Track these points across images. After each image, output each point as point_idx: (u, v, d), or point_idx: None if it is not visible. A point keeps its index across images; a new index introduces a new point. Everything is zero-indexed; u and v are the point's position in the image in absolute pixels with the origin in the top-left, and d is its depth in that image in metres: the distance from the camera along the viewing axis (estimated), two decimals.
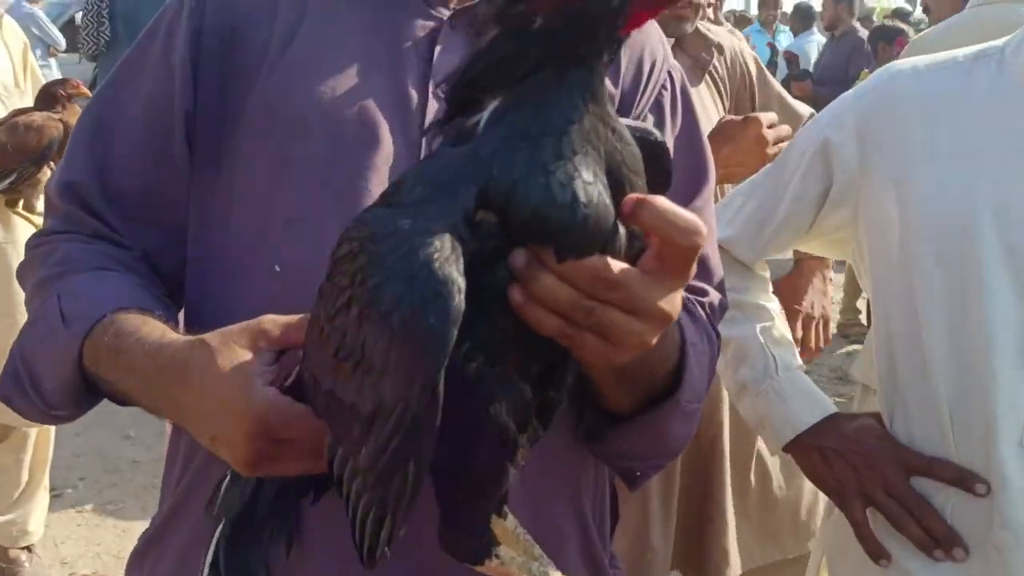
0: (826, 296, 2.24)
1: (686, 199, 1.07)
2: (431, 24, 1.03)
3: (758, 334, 1.49)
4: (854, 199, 1.35)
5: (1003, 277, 1.18)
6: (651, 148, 0.80)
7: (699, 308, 1.08)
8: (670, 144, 1.08)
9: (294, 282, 0.90)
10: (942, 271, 1.23)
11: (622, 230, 0.71)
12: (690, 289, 1.07)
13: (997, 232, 1.19)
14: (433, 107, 0.99)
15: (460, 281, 0.63)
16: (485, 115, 0.71)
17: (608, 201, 0.70)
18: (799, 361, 1.52)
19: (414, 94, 0.99)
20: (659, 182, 0.80)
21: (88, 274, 0.97)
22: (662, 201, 0.70)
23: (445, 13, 1.05)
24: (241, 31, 1.02)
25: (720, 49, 2.10)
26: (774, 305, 1.56)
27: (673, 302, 0.74)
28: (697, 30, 2.06)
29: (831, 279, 2.29)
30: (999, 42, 1.28)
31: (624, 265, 0.71)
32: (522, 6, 0.69)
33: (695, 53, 2.08)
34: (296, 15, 1.02)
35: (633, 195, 0.71)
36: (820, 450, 1.41)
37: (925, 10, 6.75)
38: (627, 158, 0.73)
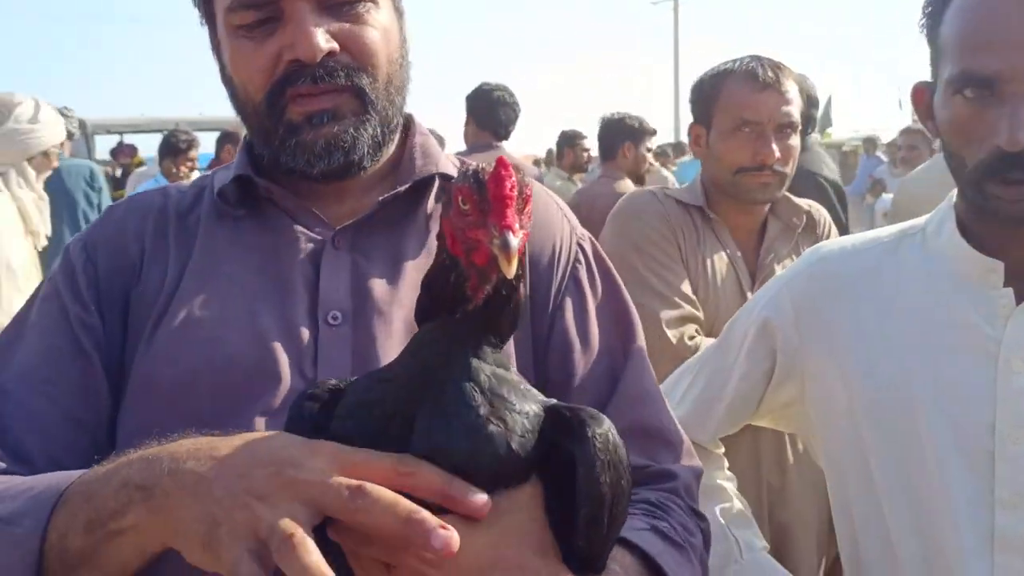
0: None
1: (616, 361, 1.08)
2: (311, 246, 1.04)
3: (718, 516, 1.47)
4: (799, 375, 1.37)
5: (952, 452, 1.18)
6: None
7: (671, 509, 1.01)
8: (593, 313, 1.10)
9: None
10: (891, 448, 1.23)
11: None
12: (657, 477, 1.03)
13: (939, 407, 1.20)
14: (325, 336, 0.98)
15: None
16: None
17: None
18: (762, 541, 1.49)
19: (304, 327, 0.99)
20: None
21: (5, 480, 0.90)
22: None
23: (324, 232, 1.06)
24: (134, 271, 1.04)
25: (808, 215, 2.18)
26: (730, 485, 1.55)
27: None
28: (786, 196, 2.13)
29: None
30: (921, 220, 1.34)
31: None
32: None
33: (786, 219, 2.15)
34: (180, 263, 1.04)
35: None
36: None
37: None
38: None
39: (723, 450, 1.58)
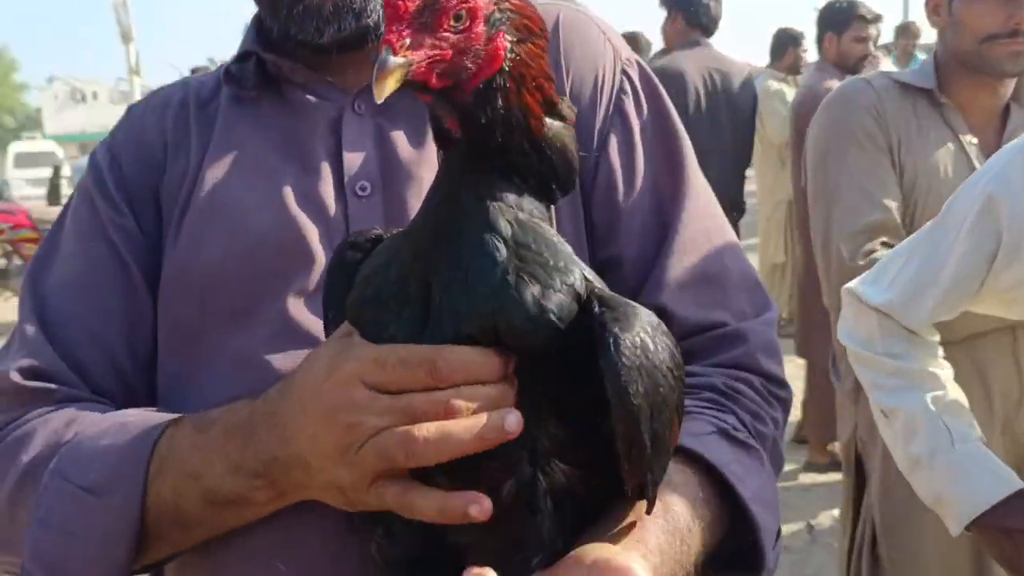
0: None
1: (665, 202, 0.99)
2: (329, 115, 0.99)
3: (929, 404, 1.40)
4: None
5: None
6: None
7: (740, 396, 0.93)
8: (640, 148, 0.99)
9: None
10: None
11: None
12: (725, 342, 0.95)
13: None
14: (355, 208, 0.94)
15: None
16: None
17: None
18: (978, 431, 1.41)
19: (331, 199, 0.95)
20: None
21: (92, 432, 0.88)
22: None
23: (342, 99, 1.00)
24: (160, 166, 1.01)
25: None
26: (945, 372, 1.46)
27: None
28: None
29: None
30: None
31: None
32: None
33: None
34: (201, 151, 1.00)
35: None
36: (1007, 531, 1.29)
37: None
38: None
39: (938, 337, 1.49)
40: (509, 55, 0.68)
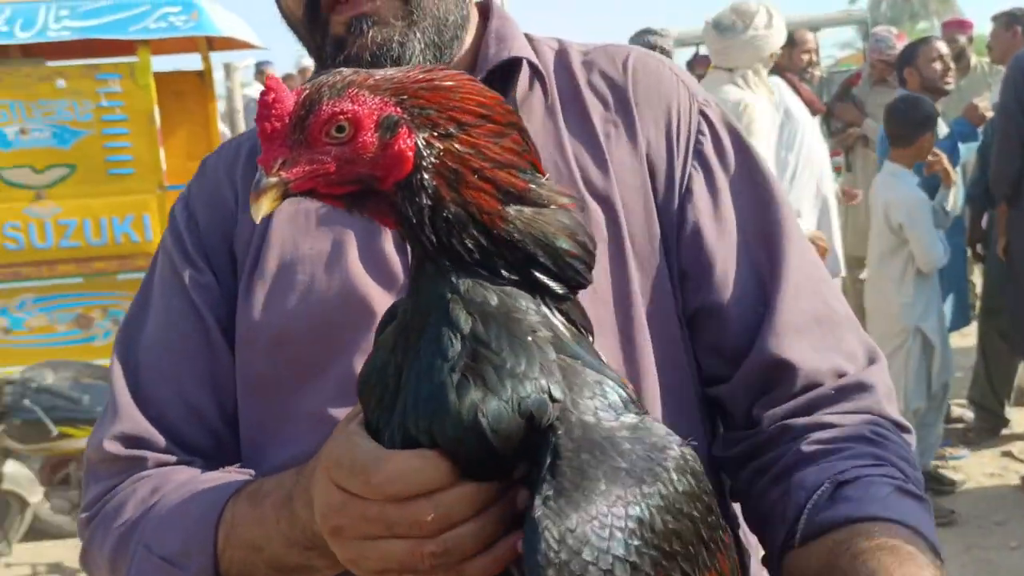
0: None
1: (762, 232, 0.96)
2: None
3: None
4: None
5: None
6: None
7: (887, 443, 0.90)
8: (726, 191, 0.97)
9: None
10: None
11: None
12: (851, 392, 0.92)
13: None
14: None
15: None
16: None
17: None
18: None
19: (394, 255, 0.94)
20: None
21: (175, 497, 0.92)
22: None
23: None
24: (233, 219, 1.01)
25: None
26: None
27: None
28: None
29: None
30: None
31: None
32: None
33: None
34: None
35: None
36: None
37: (989, 49, 6.43)
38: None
39: None
40: (427, 153, 0.64)
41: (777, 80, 3.92)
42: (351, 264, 0.94)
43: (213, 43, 4.98)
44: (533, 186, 0.67)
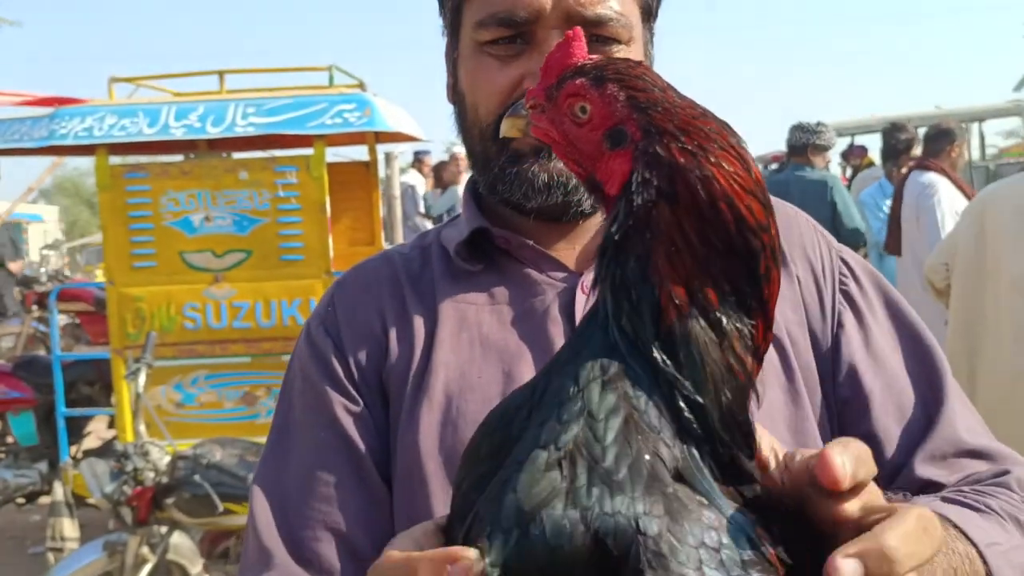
0: None
1: (918, 374, 0.97)
2: (561, 296, 0.97)
3: None
4: None
5: None
6: None
7: (993, 494, 0.90)
8: (875, 330, 0.98)
9: None
10: None
11: None
12: (986, 479, 0.92)
13: None
14: None
15: None
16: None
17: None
18: None
19: None
20: None
21: None
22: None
23: (569, 279, 0.98)
24: (382, 347, 0.98)
25: None
26: None
27: None
28: None
29: None
30: None
31: None
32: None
33: None
34: (427, 332, 0.97)
35: None
36: None
37: None
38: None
39: None
40: (636, 192, 0.56)
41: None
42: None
43: (379, 135, 5.23)
44: (725, 321, 0.55)
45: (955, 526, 0.79)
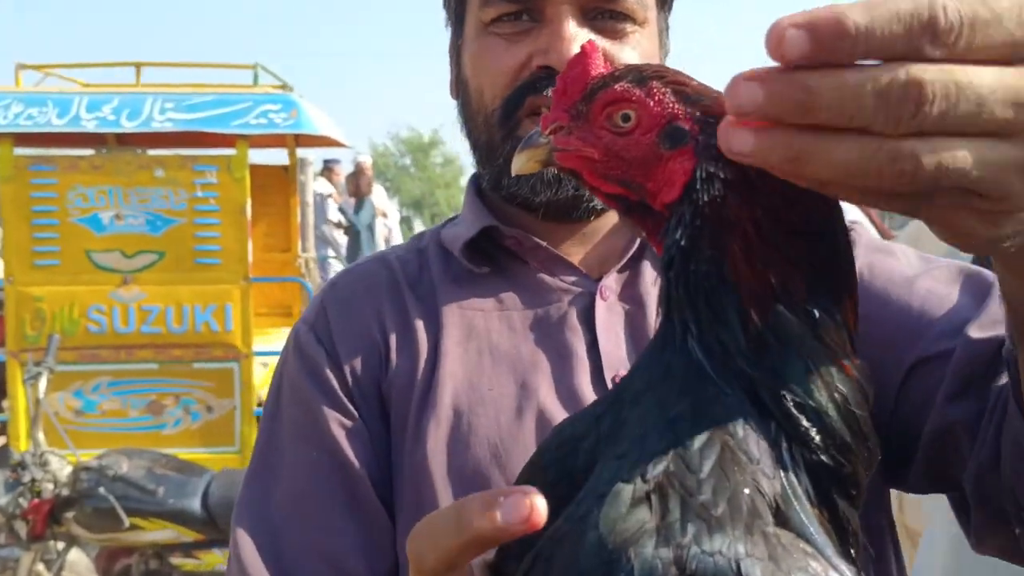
0: None
1: (974, 294, 0.83)
2: (579, 302, 0.91)
3: None
4: None
5: None
6: None
7: None
8: (905, 264, 0.86)
9: None
10: None
11: None
12: None
13: None
14: None
15: None
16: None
17: None
18: None
19: (591, 392, 0.86)
20: None
21: None
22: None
23: (585, 284, 0.92)
24: (381, 355, 0.91)
25: None
26: None
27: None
28: None
29: None
30: None
31: None
32: None
33: None
34: (431, 341, 0.90)
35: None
36: None
37: None
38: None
39: None
40: (701, 189, 0.50)
41: None
42: (545, 405, 0.85)
43: (299, 139, 5.09)
44: (816, 311, 0.50)
45: None
